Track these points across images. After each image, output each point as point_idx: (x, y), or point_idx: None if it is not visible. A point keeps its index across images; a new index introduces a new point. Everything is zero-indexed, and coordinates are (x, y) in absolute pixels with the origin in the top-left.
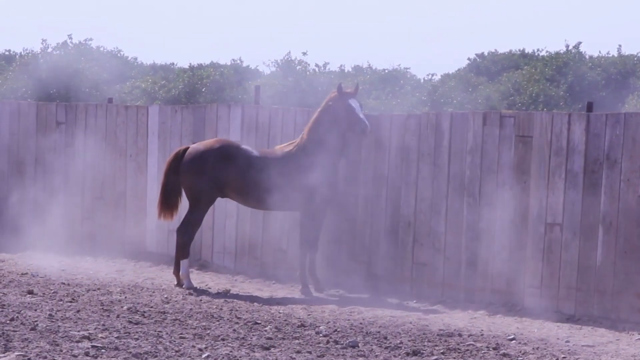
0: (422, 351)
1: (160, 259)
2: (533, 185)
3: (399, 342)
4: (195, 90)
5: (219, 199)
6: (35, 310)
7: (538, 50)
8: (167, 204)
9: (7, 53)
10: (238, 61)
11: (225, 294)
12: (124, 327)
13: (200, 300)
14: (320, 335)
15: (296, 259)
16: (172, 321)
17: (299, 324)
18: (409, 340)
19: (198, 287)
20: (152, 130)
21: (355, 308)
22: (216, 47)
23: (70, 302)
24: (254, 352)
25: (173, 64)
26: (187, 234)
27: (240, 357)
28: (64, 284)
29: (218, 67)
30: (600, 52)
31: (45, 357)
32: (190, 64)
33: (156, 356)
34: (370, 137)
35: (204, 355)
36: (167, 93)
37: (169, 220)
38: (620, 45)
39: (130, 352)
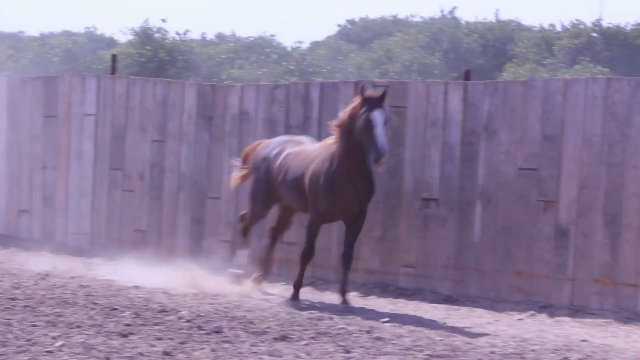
0: (290, 336)
1: (10, 241)
2: (407, 158)
3: (266, 326)
4: (46, 60)
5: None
6: None
7: (411, 15)
8: None
9: None
10: (92, 29)
11: (80, 278)
12: None
13: (54, 285)
14: (183, 320)
15: (160, 240)
16: (22, 308)
17: (160, 309)
18: (276, 325)
19: (52, 270)
20: (1, 104)
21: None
22: (68, 13)
23: None
24: (111, 339)
25: (21, 32)
26: None
27: (96, 345)
28: None
29: (71, 35)
30: (477, 17)
31: None
32: (40, 32)
33: (6, 345)
34: (234, 109)
35: (57, 344)
36: (15, 63)
37: None
38: (497, 10)
39: None
